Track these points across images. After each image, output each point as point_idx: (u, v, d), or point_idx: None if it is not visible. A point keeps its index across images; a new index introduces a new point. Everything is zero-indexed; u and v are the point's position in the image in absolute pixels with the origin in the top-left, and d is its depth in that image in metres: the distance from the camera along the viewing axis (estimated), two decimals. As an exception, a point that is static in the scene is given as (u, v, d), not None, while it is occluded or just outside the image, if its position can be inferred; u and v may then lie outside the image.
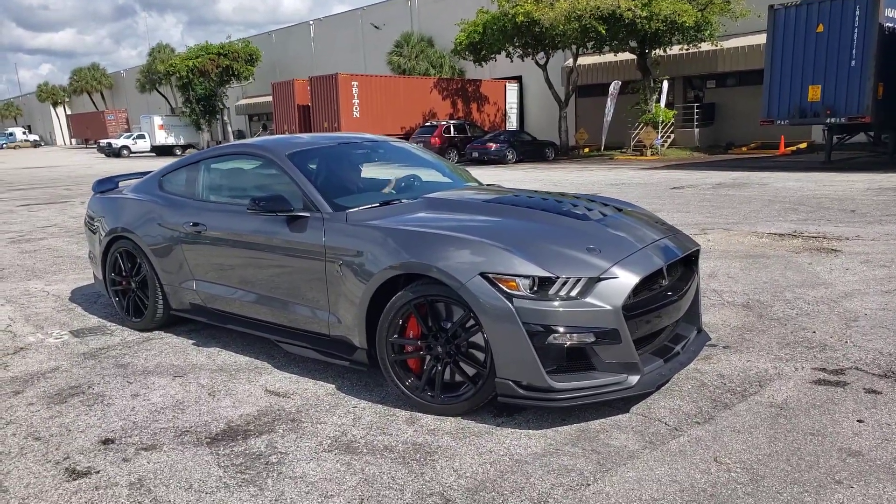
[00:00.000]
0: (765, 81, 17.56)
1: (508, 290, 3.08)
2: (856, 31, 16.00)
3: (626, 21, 21.74)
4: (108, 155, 44.40)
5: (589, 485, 2.70)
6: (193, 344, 4.67)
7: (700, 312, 3.96)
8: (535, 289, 3.10)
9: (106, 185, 5.47)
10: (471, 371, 3.31)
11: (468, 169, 5.58)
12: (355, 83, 29.00)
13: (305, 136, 4.88)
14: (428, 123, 28.66)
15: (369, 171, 4.71)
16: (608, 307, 3.09)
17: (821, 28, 16.50)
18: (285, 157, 4.19)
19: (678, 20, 21.20)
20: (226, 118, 44.91)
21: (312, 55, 47.13)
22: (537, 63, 27.88)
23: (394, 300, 3.40)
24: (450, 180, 4.77)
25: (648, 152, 24.94)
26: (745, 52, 26.28)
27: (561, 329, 3.06)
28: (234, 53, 41.15)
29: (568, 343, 3.08)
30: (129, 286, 4.98)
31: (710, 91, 29.67)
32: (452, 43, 28.90)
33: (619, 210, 4.02)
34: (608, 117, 26.79)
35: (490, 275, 3.12)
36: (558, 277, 3.10)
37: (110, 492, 2.81)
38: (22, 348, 4.71)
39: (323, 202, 3.89)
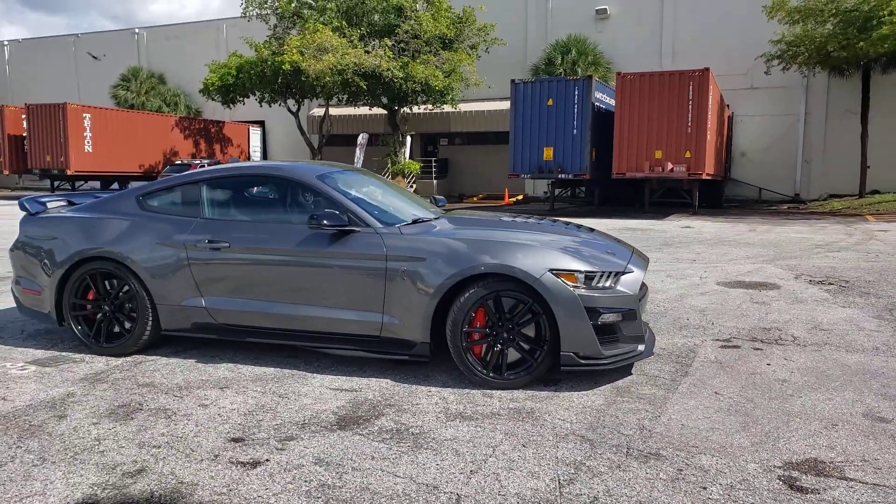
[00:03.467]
0: (510, 142, 20.83)
1: (570, 283, 4.04)
2: (576, 106, 20.05)
3: (385, 80, 23.78)
4: None
5: (659, 415, 3.76)
6: (196, 362, 4.61)
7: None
8: (585, 281, 4.11)
9: (38, 206, 4.98)
10: (530, 350, 4.15)
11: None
12: (87, 115, 26.33)
13: (301, 162, 5.18)
14: (179, 162, 27.25)
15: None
16: (630, 293, 4.24)
17: (550, 102, 20.29)
18: (315, 178, 4.56)
19: (431, 83, 23.90)
20: None
21: (9, 80, 40.87)
22: (289, 110, 28.49)
23: (468, 296, 4.09)
24: (429, 204, 5.50)
25: (400, 199, 27.10)
26: (473, 115, 30.39)
27: (604, 310, 4.10)
28: None
29: (607, 321, 4.14)
30: (100, 310, 4.66)
31: (443, 148, 33.41)
32: (200, 83, 28.04)
33: (592, 230, 5.23)
34: (358, 166, 28.53)
35: (555, 271, 4.05)
36: (599, 272, 4.16)
37: (304, 470, 3.04)
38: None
39: (372, 219, 4.39)
